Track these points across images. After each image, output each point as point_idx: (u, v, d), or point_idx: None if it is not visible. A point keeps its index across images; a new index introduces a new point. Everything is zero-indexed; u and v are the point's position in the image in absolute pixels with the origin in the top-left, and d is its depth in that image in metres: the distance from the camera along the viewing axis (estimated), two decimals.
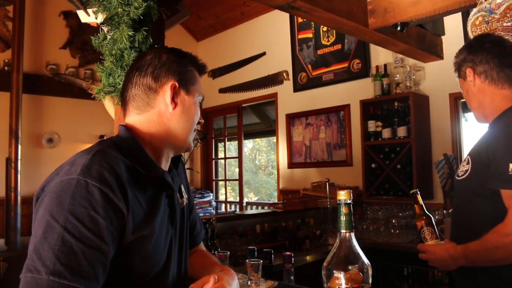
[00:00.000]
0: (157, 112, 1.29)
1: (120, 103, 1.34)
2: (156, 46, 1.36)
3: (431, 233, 1.72)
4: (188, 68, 1.35)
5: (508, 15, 2.38)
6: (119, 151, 1.17)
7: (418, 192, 1.77)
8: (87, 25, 2.42)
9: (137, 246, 1.14)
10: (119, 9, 1.98)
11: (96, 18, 2.17)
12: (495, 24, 2.40)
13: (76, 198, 1.03)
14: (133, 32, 1.96)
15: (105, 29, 2.08)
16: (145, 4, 1.95)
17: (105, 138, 1.28)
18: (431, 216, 1.76)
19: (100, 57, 2.10)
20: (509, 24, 2.35)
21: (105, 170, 1.07)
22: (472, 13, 2.59)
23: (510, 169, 1.50)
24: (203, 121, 1.43)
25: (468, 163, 1.72)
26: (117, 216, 1.07)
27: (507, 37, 2.29)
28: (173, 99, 1.29)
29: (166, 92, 1.28)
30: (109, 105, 2.18)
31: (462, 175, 1.73)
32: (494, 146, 1.60)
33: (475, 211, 1.68)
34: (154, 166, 1.23)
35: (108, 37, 2.06)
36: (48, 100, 5.71)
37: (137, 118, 1.29)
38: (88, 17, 2.25)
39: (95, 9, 2.12)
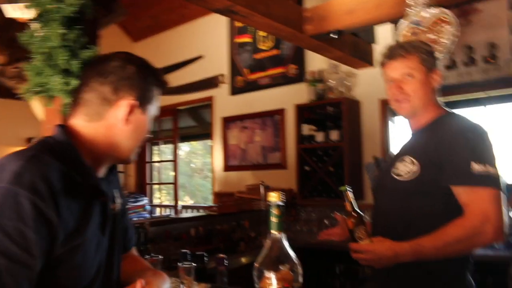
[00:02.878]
0: (107, 124, 1.21)
1: (71, 101, 1.26)
2: (121, 52, 1.27)
3: (365, 231, 1.68)
4: (151, 86, 1.27)
5: (433, 28, 2.51)
6: (53, 156, 1.09)
7: (348, 189, 1.73)
8: (14, 20, 2.30)
9: (67, 258, 1.08)
10: (51, 6, 1.89)
11: (25, 14, 2.07)
12: (422, 36, 2.53)
13: (3, 209, 0.96)
14: (65, 30, 1.88)
15: (35, 26, 1.98)
16: (79, 1, 1.88)
17: (35, 139, 1.19)
18: (362, 215, 1.71)
19: (29, 55, 2.00)
20: (434, 37, 2.48)
21: (38, 179, 1.00)
22: (402, 25, 2.71)
23: (471, 168, 1.59)
24: (149, 137, 1.37)
25: (412, 164, 1.75)
26: (47, 228, 1.01)
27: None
28: (126, 116, 1.21)
29: (121, 107, 1.20)
30: (37, 106, 2.08)
31: (406, 175, 1.75)
32: (448, 148, 1.67)
33: (416, 210, 1.73)
34: (90, 173, 1.17)
35: (38, 34, 1.96)
36: None
37: (83, 124, 1.21)
38: (14, 12, 2.14)
39: (24, 3, 2.02)
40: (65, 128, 1.21)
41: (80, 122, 1.22)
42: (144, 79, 1.25)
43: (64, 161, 1.10)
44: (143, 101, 1.24)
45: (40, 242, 0.99)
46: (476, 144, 1.66)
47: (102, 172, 1.28)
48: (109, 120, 1.21)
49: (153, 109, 1.30)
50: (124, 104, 1.21)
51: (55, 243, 1.04)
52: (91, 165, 1.19)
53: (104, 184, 1.25)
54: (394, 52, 1.85)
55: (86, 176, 1.15)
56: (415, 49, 1.83)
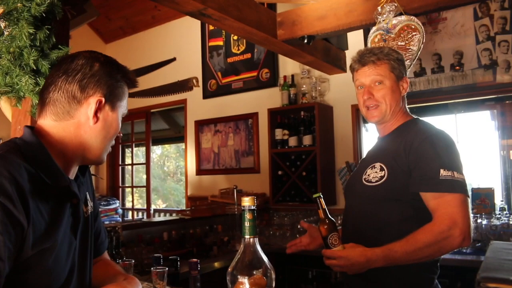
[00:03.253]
0: (76, 123, 1.21)
1: (38, 102, 1.25)
2: (87, 50, 1.26)
3: (338, 238, 1.71)
4: (119, 83, 1.27)
5: (402, 35, 2.58)
6: (22, 157, 1.08)
7: (322, 196, 1.75)
8: None
9: (37, 261, 1.07)
10: (19, 4, 1.86)
11: None
12: (391, 43, 2.59)
13: None
14: (34, 30, 1.85)
15: (2, 24, 1.94)
16: (48, 1, 1.85)
17: (1, 141, 1.17)
18: (334, 221, 1.74)
19: None
20: (402, 43, 2.55)
21: (5, 180, 0.99)
22: (372, 31, 2.78)
23: (440, 174, 1.65)
24: (121, 134, 1.37)
25: (382, 170, 1.79)
26: (16, 230, 0.99)
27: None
28: (95, 114, 1.21)
29: (90, 105, 1.20)
30: (6, 106, 2.04)
31: (376, 181, 1.79)
32: (416, 154, 1.71)
33: (386, 216, 1.76)
34: (60, 175, 1.15)
35: (6, 33, 1.92)
36: None
37: (52, 124, 1.21)
38: None
39: None
40: (33, 129, 1.20)
41: (49, 122, 1.21)
42: (111, 76, 1.25)
43: (32, 163, 1.09)
44: (111, 98, 1.25)
45: (9, 244, 0.98)
46: (443, 151, 1.71)
47: (72, 173, 1.27)
48: (78, 118, 1.21)
49: (122, 106, 1.30)
50: (92, 101, 1.21)
51: (24, 245, 1.02)
52: (61, 167, 1.18)
53: (75, 186, 1.24)
54: (365, 58, 1.88)
55: (56, 177, 1.14)
56: (386, 57, 1.87)
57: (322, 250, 1.75)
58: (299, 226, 4.03)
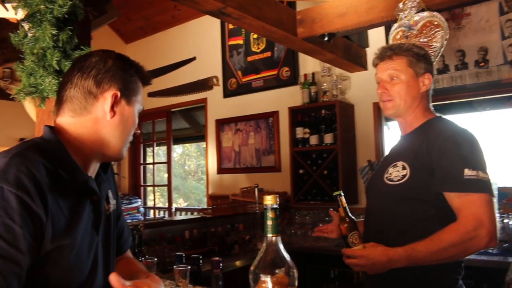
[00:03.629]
0: (93, 118, 1.23)
1: (55, 101, 1.28)
2: (102, 49, 1.30)
3: (359, 237, 1.68)
4: (133, 78, 1.30)
5: (424, 31, 2.54)
6: (40, 154, 1.10)
7: (342, 194, 1.74)
8: (6, 20, 2.29)
9: (56, 256, 1.08)
10: (42, 6, 1.88)
11: (15, 14, 2.06)
12: (413, 39, 2.55)
13: None
14: (56, 31, 1.87)
15: (26, 26, 1.97)
16: (70, 2, 1.87)
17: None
18: (355, 220, 1.73)
19: (21, 55, 2.00)
20: (425, 40, 2.50)
21: (23, 175, 1.01)
22: (393, 28, 2.74)
23: (465, 174, 1.62)
24: (139, 131, 1.39)
25: (404, 169, 1.77)
26: (35, 223, 1.01)
27: None
28: (112, 108, 1.23)
29: (106, 99, 1.22)
30: (30, 106, 2.07)
31: (398, 180, 1.77)
32: (439, 153, 1.69)
33: (408, 215, 1.74)
34: (78, 171, 1.17)
35: (30, 35, 1.96)
36: None
37: (70, 121, 1.23)
38: (6, 12, 2.13)
39: (14, 4, 2.01)
40: (53, 128, 1.23)
41: (67, 119, 1.24)
42: (125, 71, 1.28)
43: (50, 159, 1.11)
44: (126, 93, 1.27)
45: (28, 237, 1.00)
46: (466, 150, 1.68)
47: (92, 171, 1.28)
48: (96, 113, 1.23)
49: (138, 101, 1.32)
50: (108, 96, 1.23)
51: (44, 239, 1.04)
52: (80, 163, 1.19)
53: (94, 183, 1.25)
54: (383, 53, 1.90)
55: (73, 173, 1.16)
56: (404, 52, 1.86)
57: (342, 249, 1.73)
58: (320, 225, 4.00)
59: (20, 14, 1.98)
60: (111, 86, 1.24)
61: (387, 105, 1.88)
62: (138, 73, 1.34)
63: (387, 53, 1.88)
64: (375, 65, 1.95)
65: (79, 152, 1.22)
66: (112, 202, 1.39)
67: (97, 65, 1.24)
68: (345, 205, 1.73)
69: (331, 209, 2.18)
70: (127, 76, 1.28)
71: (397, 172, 1.80)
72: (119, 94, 1.24)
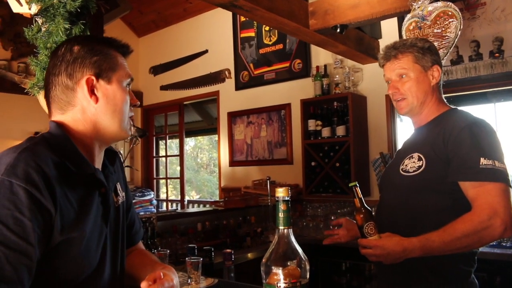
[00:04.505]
0: (80, 109, 1.23)
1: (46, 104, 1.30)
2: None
3: (374, 227, 1.68)
4: (105, 54, 1.27)
5: (438, 22, 2.51)
6: (48, 148, 1.12)
7: (358, 185, 1.73)
8: (20, 15, 2.31)
9: (66, 248, 1.10)
10: (55, 0, 1.90)
11: (29, 9, 2.08)
12: (427, 30, 2.52)
13: None
14: (69, 25, 1.88)
15: (40, 20, 1.99)
16: None
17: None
18: (371, 210, 1.72)
19: (34, 50, 2.01)
20: (438, 30, 2.48)
21: (32, 169, 1.03)
22: (406, 19, 2.71)
23: (481, 163, 1.61)
24: (138, 102, 1.37)
25: (420, 160, 1.77)
26: (44, 216, 1.03)
27: (436, 43, 2.42)
28: (93, 93, 1.23)
29: (83, 87, 1.22)
30: (44, 100, 2.10)
31: (414, 171, 1.76)
32: (455, 143, 1.68)
33: (423, 206, 1.74)
34: (85, 163, 1.19)
35: (43, 29, 1.97)
36: None
37: (62, 118, 1.24)
38: (20, 7, 2.15)
39: None
40: (59, 123, 1.24)
41: (59, 117, 1.25)
42: (94, 51, 1.25)
43: (58, 153, 1.13)
44: (102, 72, 1.25)
45: (37, 230, 1.01)
46: (483, 140, 1.67)
47: (98, 163, 1.30)
48: (80, 104, 1.24)
49: (121, 75, 1.29)
50: (83, 83, 1.22)
51: (53, 231, 1.06)
52: (85, 156, 1.21)
53: (101, 175, 1.26)
54: (388, 53, 1.90)
55: (81, 165, 1.17)
56: (409, 48, 1.86)
57: (358, 240, 1.73)
58: (332, 218, 4.01)
59: (34, 8, 2.00)
60: (84, 73, 1.23)
61: (401, 104, 1.88)
62: (111, 46, 1.30)
63: (392, 53, 1.88)
64: (381, 65, 1.95)
65: (82, 144, 1.23)
66: (121, 194, 1.40)
67: (64, 57, 1.24)
68: (361, 195, 1.73)
69: (332, 218, 2.19)
70: (98, 56, 1.25)
71: (412, 164, 1.79)
72: (94, 77, 1.23)
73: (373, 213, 1.74)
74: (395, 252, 1.62)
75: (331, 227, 2.21)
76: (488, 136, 1.69)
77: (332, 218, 4.01)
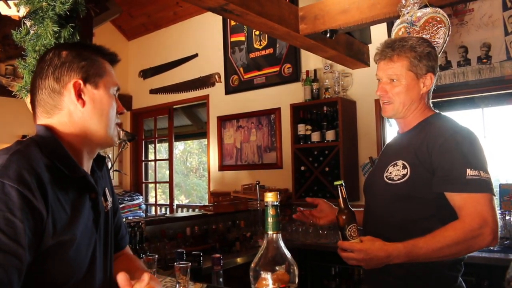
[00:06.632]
0: (67, 113, 1.23)
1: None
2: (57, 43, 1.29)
3: (357, 230, 1.63)
4: (93, 60, 1.28)
5: (427, 28, 2.52)
6: (40, 151, 1.12)
7: (344, 185, 1.66)
8: (8, 17, 2.29)
9: (57, 252, 1.09)
10: (44, 3, 1.88)
11: (18, 11, 2.06)
12: (416, 36, 2.53)
13: None
14: (58, 28, 1.87)
15: (28, 23, 1.97)
16: None
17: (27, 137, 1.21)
18: (354, 212, 1.66)
19: (23, 52, 2.00)
20: (427, 36, 2.49)
21: (24, 170, 1.02)
22: (395, 24, 2.72)
23: (467, 174, 1.60)
24: (124, 111, 1.37)
25: (404, 168, 1.75)
26: (35, 218, 1.02)
27: None
28: (80, 97, 1.23)
29: (70, 91, 1.22)
30: None
31: (399, 179, 1.75)
32: (440, 153, 1.67)
33: (408, 214, 1.73)
34: (75, 166, 1.18)
35: (32, 32, 1.95)
36: None
37: (48, 121, 1.24)
38: (9, 9, 2.13)
39: (17, 1, 2.01)
40: (46, 126, 1.23)
41: (45, 121, 1.24)
42: (81, 57, 1.26)
43: (49, 155, 1.13)
44: (89, 77, 1.25)
45: (29, 232, 1.00)
46: (468, 149, 1.67)
47: (86, 167, 1.29)
48: (67, 108, 1.23)
49: (107, 81, 1.30)
50: (70, 87, 1.22)
51: (45, 234, 1.05)
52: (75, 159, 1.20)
53: (91, 179, 1.26)
54: (384, 52, 1.85)
55: (72, 168, 1.16)
56: (406, 52, 1.80)
57: (339, 242, 1.66)
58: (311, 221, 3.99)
59: (22, 11, 1.98)
60: (71, 77, 1.23)
61: (387, 107, 1.86)
62: (99, 53, 1.31)
63: (388, 54, 1.82)
64: (375, 61, 1.92)
65: (70, 148, 1.22)
66: (109, 199, 1.40)
67: (52, 62, 1.24)
68: (345, 196, 1.66)
69: (300, 208, 2.13)
70: (86, 61, 1.26)
71: (397, 171, 1.78)
72: (81, 82, 1.24)
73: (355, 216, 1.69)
74: (378, 257, 1.58)
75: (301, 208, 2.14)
76: (472, 145, 1.69)
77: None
